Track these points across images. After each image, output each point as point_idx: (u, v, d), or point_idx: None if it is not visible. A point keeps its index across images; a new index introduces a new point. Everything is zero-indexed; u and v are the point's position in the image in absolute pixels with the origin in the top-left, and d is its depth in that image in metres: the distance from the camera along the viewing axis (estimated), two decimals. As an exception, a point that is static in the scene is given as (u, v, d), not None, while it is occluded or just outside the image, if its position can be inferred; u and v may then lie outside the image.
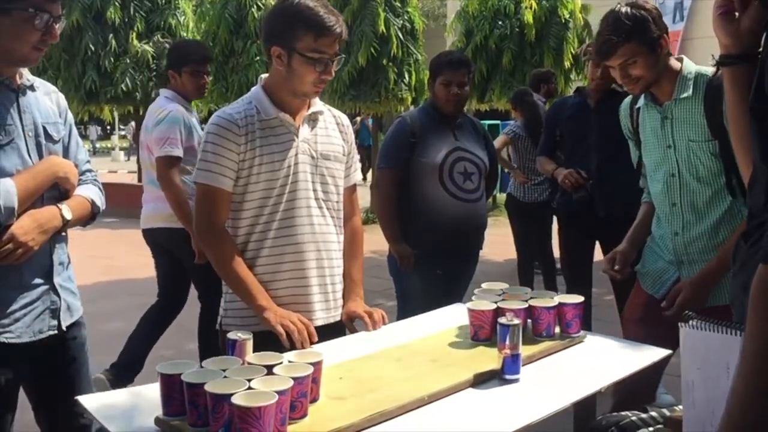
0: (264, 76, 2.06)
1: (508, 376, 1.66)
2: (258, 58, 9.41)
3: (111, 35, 10.94)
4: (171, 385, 1.41)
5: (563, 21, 10.04)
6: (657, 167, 2.27)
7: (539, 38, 10.05)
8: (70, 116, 2.01)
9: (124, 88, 10.90)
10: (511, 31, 10.05)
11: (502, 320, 1.68)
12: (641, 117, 2.35)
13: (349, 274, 2.13)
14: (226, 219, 1.98)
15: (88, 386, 2.00)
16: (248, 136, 1.93)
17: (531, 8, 9.89)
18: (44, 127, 1.86)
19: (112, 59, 10.99)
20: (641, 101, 2.34)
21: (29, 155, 1.81)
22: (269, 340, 1.76)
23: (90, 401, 1.59)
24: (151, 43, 11.23)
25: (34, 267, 1.82)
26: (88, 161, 2.05)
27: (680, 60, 2.24)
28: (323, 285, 2.03)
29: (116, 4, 10.88)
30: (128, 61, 11.08)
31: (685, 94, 2.18)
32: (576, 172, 3.46)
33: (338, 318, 2.08)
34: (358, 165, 2.22)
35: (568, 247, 3.87)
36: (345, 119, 2.18)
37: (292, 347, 1.78)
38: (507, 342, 1.65)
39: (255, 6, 9.55)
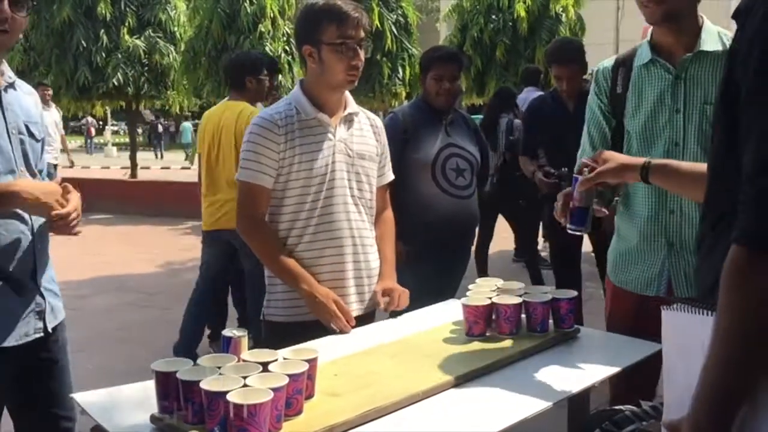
0: (302, 78, 2.15)
1: (570, 227, 1.80)
2: (251, 53, 9.39)
3: (102, 30, 10.89)
4: (166, 383, 1.41)
5: (556, 15, 10.05)
6: (656, 136, 2.01)
7: (532, 32, 10.06)
8: (45, 120, 2.00)
9: (116, 84, 10.85)
10: (504, 25, 10.06)
11: (577, 175, 1.78)
12: (637, 78, 2.05)
13: (384, 254, 2.22)
14: (266, 212, 2.07)
15: (68, 389, 1.95)
16: (288, 136, 2.02)
17: (524, 2, 9.89)
18: (27, 126, 1.84)
19: (103, 54, 10.93)
20: (641, 58, 2.04)
21: (13, 153, 1.77)
22: (312, 329, 1.92)
23: (85, 398, 1.58)
24: (142, 38, 11.17)
25: (17, 269, 1.78)
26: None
27: (701, 16, 1.99)
28: (359, 278, 2.12)
29: (106, -1, 10.83)
30: (120, 56, 11.02)
31: (710, 47, 1.93)
32: (546, 175, 3.53)
33: (369, 310, 2.18)
34: (390, 164, 2.32)
35: (557, 240, 3.90)
36: (378, 121, 2.27)
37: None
38: (575, 194, 1.77)
39: (248, 1, 9.51)
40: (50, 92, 8.78)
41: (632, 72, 2.06)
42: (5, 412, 1.91)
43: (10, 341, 1.76)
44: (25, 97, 1.88)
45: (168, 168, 19.71)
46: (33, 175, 1.84)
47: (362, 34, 2.02)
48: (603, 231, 3.53)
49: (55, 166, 8.27)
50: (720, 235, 1.04)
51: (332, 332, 1.98)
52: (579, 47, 3.82)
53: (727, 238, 0.94)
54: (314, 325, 1.98)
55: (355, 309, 2.10)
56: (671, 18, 1.90)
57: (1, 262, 1.74)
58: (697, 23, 1.96)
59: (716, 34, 1.96)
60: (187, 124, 26.35)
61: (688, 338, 1.06)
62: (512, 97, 5.58)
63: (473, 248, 5.35)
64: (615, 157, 1.79)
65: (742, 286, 0.88)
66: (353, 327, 2.01)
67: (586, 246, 3.91)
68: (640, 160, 1.77)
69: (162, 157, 25.63)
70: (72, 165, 9.97)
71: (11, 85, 1.84)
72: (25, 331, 1.80)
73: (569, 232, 1.85)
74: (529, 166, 3.84)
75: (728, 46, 1.89)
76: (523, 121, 4.20)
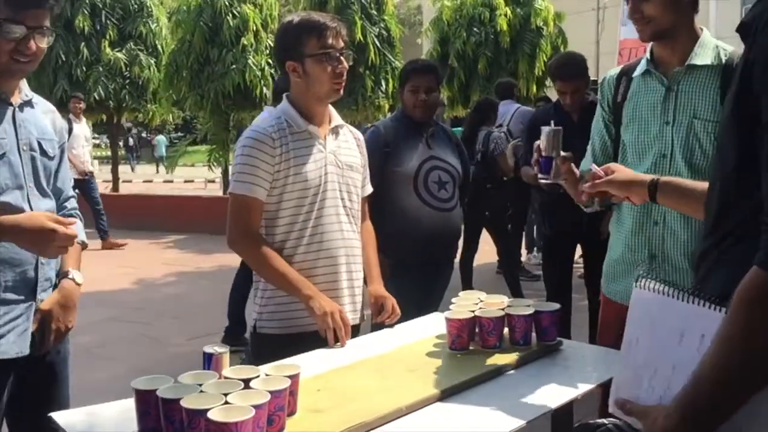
0: (287, 93, 2.18)
1: (539, 175, 1.95)
2: (234, 66, 9.37)
3: (83, 44, 10.83)
4: (146, 401, 1.39)
5: (537, 28, 10.16)
6: (647, 147, 2.01)
7: (514, 45, 10.16)
8: (65, 138, 2.04)
9: (97, 97, 10.78)
10: (486, 38, 10.15)
11: (544, 127, 1.93)
12: (635, 88, 2.07)
13: (369, 258, 2.26)
14: (259, 226, 2.07)
15: (65, 401, 1.98)
16: (282, 148, 2.04)
17: (505, 16, 10.00)
18: (40, 143, 1.88)
19: (84, 68, 10.87)
20: (639, 69, 2.06)
21: (23, 169, 1.82)
22: (306, 341, 1.95)
23: (63, 418, 1.56)
24: (123, 51, 11.13)
25: (18, 283, 1.81)
26: (73, 188, 2.09)
27: (701, 28, 1.99)
28: (351, 288, 2.16)
29: (85, 12, 10.77)
30: (101, 69, 10.97)
31: (701, 61, 1.93)
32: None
33: (361, 321, 2.22)
34: (369, 177, 2.36)
35: (551, 248, 3.91)
36: (359, 134, 2.33)
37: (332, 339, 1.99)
38: (541, 143, 1.92)
39: (230, 14, 9.50)
40: (82, 105, 8.75)
41: (631, 82, 2.08)
42: None
43: (9, 353, 1.79)
44: (41, 115, 1.93)
45: (150, 181, 19.59)
46: (43, 193, 1.88)
47: (342, 43, 2.07)
48: (599, 234, 3.56)
49: (91, 172, 8.46)
50: (724, 253, 1.04)
51: (326, 344, 1.97)
52: (581, 62, 3.80)
53: (733, 256, 0.94)
54: (309, 336, 1.99)
55: (351, 319, 2.12)
56: (660, 35, 1.94)
57: (2, 275, 1.77)
58: (694, 36, 1.96)
59: (712, 47, 1.95)
60: (161, 138, 26.24)
61: (660, 321, 1.05)
62: (492, 109, 5.60)
63: (458, 260, 5.40)
64: (624, 172, 1.82)
65: (760, 305, 0.88)
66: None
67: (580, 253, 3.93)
68: (648, 176, 1.76)
69: (133, 170, 25.40)
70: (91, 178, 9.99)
71: (28, 103, 1.89)
72: (24, 344, 1.82)
73: (540, 182, 1.99)
74: (530, 172, 3.85)
75: (724, 60, 1.92)
76: (526, 133, 4.20)
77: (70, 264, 1.95)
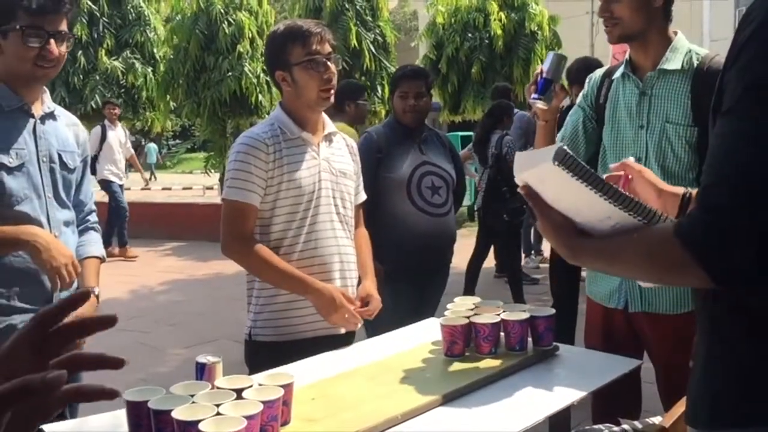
0: (280, 101, 2.18)
1: (533, 96, 2.00)
2: (230, 73, 9.37)
3: (80, 52, 10.85)
4: (138, 412, 1.37)
5: (531, 33, 10.18)
6: (625, 150, 2.03)
7: (508, 50, 10.17)
8: (87, 151, 2.06)
9: (94, 105, 10.79)
10: (481, 43, 10.16)
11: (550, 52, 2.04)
12: (614, 91, 2.10)
13: (362, 259, 2.25)
14: (253, 232, 2.05)
15: (75, 406, 1.98)
16: (276, 155, 2.03)
17: (500, 20, 10.01)
18: (60, 155, 1.90)
19: (81, 76, 10.89)
20: (619, 72, 2.10)
21: (42, 181, 1.84)
22: (301, 348, 1.95)
23: (53, 429, 1.55)
24: (120, 60, 11.15)
25: (33, 294, 1.82)
26: (93, 201, 2.11)
27: (675, 33, 2.02)
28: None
29: (83, 20, 10.80)
30: (97, 77, 10.99)
31: (671, 66, 1.96)
32: None
33: (355, 327, 2.19)
34: (362, 184, 2.35)
35: (556, 254, 3.89)
36: (351, 141, 2.32)
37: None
38: (544, 66, 1.99)
39: (226, 22, 9.52)
40: (117, 111, 8.66)
41: (612, 84, 2.12)
42: None
43: None
44: (63, 128, 1.95)
45: (148, 189, 19.57)
46: (62, 204, 1.90)
47: (328, 48, 2.06)
48: None
49: (121, 186, 8.29)
50: None
51: (324, 350, 1.97)
52: (598, 67, 3.81)
53: None
54: (304, 343, 1.99)
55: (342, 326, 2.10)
56: (627, 39, 1.97)
57: (18, 286, 1.79)
58: (666, 41, 1.98)
59: (684, 52, 1.97)
60: (151, 145, 26.21)
61: (568, 190, 1.04)
62: (505, 112, 5.53)
63: (464, 264, 5.38)
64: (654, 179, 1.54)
65: (662, 264, 0.95)
66: (334, 348, 2.01)
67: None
68: (680, 188, 1.45)
69: (127, 177, 25.51)
70: (147, 184, 9.89)
71: (50, 115, 1.91)
72: None
73: (531, 101, 2.03)
74: None
75: (695, 65, 1.94)
76: (533, 137, 4.20)
77: (92, 280, 1.98)
